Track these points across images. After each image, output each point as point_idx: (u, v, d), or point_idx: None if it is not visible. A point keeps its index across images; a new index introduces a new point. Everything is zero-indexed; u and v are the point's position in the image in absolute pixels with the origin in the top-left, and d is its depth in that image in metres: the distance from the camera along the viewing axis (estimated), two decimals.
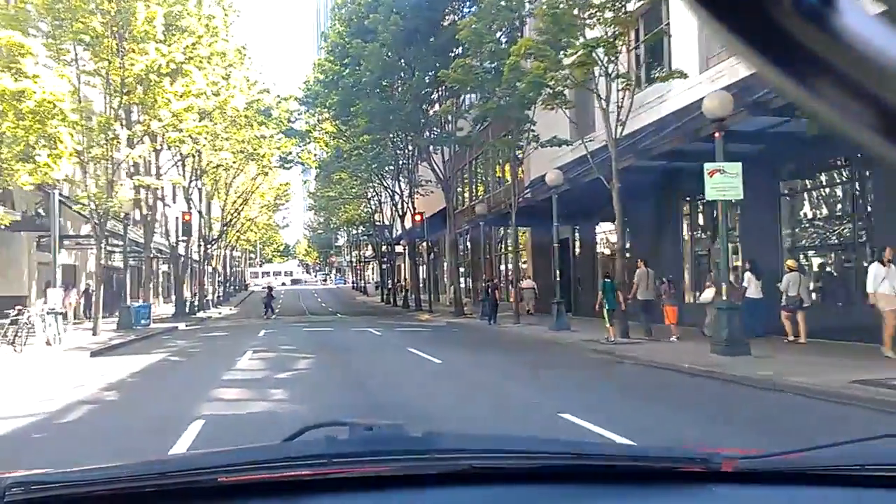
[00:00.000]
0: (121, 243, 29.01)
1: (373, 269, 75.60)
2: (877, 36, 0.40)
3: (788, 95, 0.43)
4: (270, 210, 58.42)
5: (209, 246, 41.47)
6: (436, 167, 29.43)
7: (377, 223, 48.95)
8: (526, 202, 23.25)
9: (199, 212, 38.58)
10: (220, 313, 38.35)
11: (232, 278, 63.37)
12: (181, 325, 26.35)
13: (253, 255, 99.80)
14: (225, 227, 44.68)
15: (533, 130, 21.45)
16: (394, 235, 45.78)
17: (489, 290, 23.62)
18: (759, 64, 0.42)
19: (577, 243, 25.78)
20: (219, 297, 48.77)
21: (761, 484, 1.34)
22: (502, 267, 33.14)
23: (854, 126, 0.42)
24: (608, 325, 15.20)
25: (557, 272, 19.62)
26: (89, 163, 19.85)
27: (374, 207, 48.72)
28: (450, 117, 29.11)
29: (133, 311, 24.31)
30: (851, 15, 0.40)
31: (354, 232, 65.06)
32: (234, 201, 43.28)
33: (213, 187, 40.27)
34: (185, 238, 34.31)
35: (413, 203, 36.13)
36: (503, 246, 33.51)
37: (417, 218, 35.07)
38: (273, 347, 16.33)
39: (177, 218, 37.84)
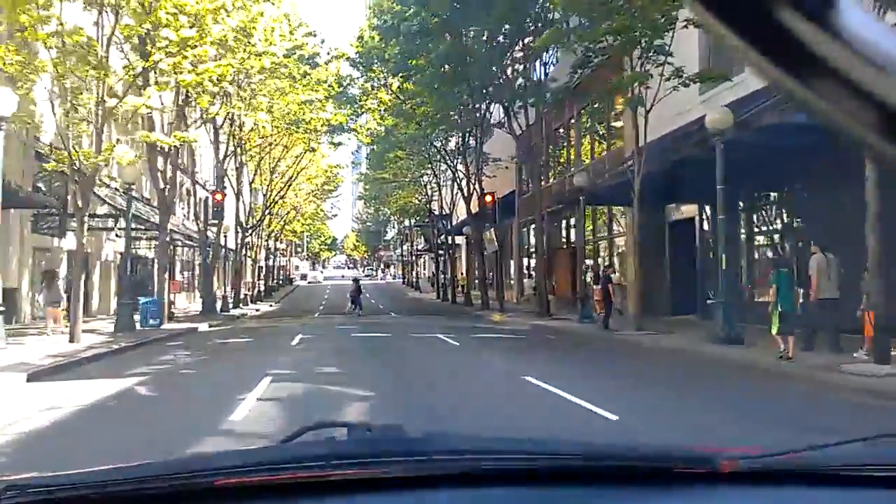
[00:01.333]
0: (140, 226, 24.23)
1: (424, 262, 70.27)
2: (877, 36, 0.40)
3: (788, 94, 0.43)
4: (318, 198, 53.33)
5: (246, 233, 36.27)
6: (516, 130, 23.43)
7: (433, 212, 43.27)
8: (647, 169, 17.04)
9: (237, 193, 33.41)
10: (257, 310, 33.22)
11: (275, 271, 58.48)
12: (203, 326, 21.08)
13: (300, 248, 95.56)
14: (266, 212, 39.53)
15: (671, 63, 15.35)
16: (452, 224, 40.02)
17: (602, 285, 17.53)
18: (758, 63, 0.42)
19: (706, 224, 19.54)
20: (259, 291, 43.77)
21: (761, 484, 1.29)
22: (588, 261, 26.89)
23: (854, 126, 0.42)
24: (776, 333, 10.64)
25: (723, 260, 13.41)
26: (69, 104, 14.60)
27: (429, 193, 43.10)
28: (537, 67, 23.03)
29: (140, 309, 19.21)
30: (851, 15, 0.40)
31: (406, 223, 59.67)
32: (277, 183, 38.10)
33: (255, 167, 35.13)
34: (214, 222, 29.03)
35: (480, 182, 30.29)
36: (592, 231, 27.37)
37: (488, 199, 29.28)
38: (306, 371, 10.43)
39: (205, 199, 32.79)
